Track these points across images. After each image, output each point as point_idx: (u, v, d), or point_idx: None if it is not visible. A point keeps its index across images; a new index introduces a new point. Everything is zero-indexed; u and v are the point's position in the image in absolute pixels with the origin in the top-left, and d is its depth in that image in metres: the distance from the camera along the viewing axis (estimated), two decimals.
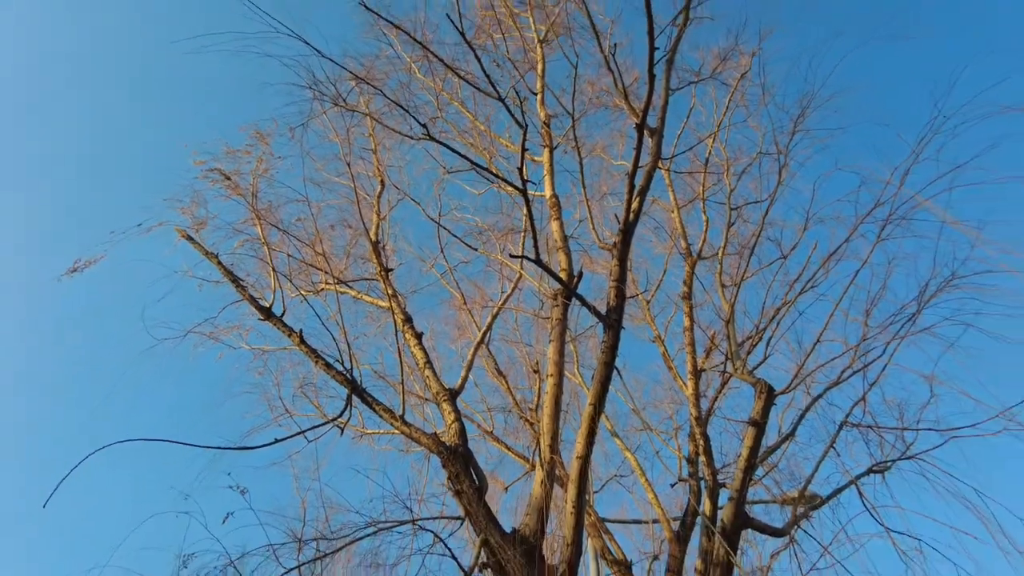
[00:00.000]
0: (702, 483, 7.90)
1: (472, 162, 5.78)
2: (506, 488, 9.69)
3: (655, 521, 8.98)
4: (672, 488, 9.30)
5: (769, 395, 4.91)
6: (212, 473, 5.18)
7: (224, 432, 5.63)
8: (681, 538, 7.70)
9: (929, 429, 5.69)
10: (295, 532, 4.86)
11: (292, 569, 4.58)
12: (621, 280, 5.44)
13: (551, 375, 6.21)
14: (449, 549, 4.87)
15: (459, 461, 5.70)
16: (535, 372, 10.16)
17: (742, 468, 4.93)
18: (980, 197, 6.17)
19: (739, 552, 4.87)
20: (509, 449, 9.85)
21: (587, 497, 5.20)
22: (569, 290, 5.60)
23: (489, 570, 5.15)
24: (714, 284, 7.28)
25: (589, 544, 9.35)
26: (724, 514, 4.96)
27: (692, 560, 7.23)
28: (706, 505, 7.11)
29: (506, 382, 9.63)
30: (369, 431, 7.90)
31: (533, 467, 9.08)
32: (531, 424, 9.18)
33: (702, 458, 7.56)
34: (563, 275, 6.55)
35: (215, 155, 7.53)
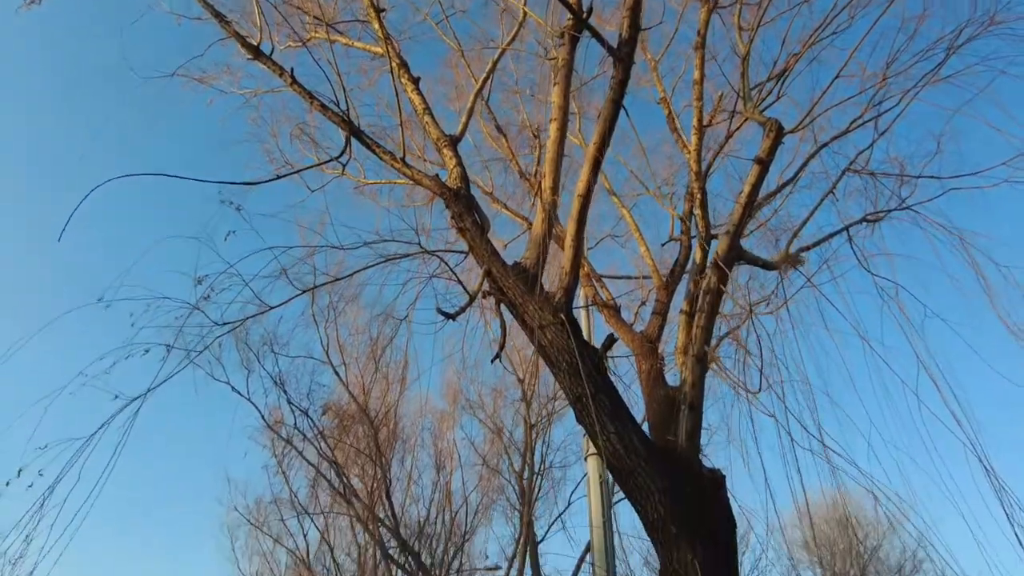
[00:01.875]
0: (694, 241, 8.21)
1: None
2: (505, 246, 10.09)
3: (646, 277, 9.50)
4: (663, 247, 9.73)
5: (778, 133, 4.84)
6: (218, 219, 5.25)
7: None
8: (669, 286, 8.21)
9: (931, 177, 5.73)
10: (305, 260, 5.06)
11: (302, 293, 4.85)
12: (636, 9, 5.03)
13: (554, 119, 6.06)
14: (455, 274, 5.14)
15: (462, 201, 5.80)
16: (535, 136, 10.01)
17: (742, 204, 5.04)
18: None
19: (730, 283, 5.17)
20: (507, 208, 10.06)
21: (584, 237, 5.38)
22: (579, 19, 5.21)
23: (492, 298, 5.51)
24: (731, 27, 6.78)
25: (581, 293, 10.03)
26: (719, 246, 5.20)
27: (677, 309, 7.79)
28: (697, 254, 7.44)
29: (506, 140, 9.50)
30: (370, 181, 7.92)
31: (530, 225, 9.37)
32: (529, 180, 9.26)
33: (697, 212, 7.72)
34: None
35: None
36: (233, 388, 13.86)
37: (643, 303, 9.15)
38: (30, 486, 3.67)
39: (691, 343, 5.01)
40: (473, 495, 17.02)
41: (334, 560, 19.86)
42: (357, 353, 15.20)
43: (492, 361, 5.30)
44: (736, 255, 5.12)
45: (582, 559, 11.27)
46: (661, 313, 7.98)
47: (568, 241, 5.27)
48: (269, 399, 13.64)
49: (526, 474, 12.93)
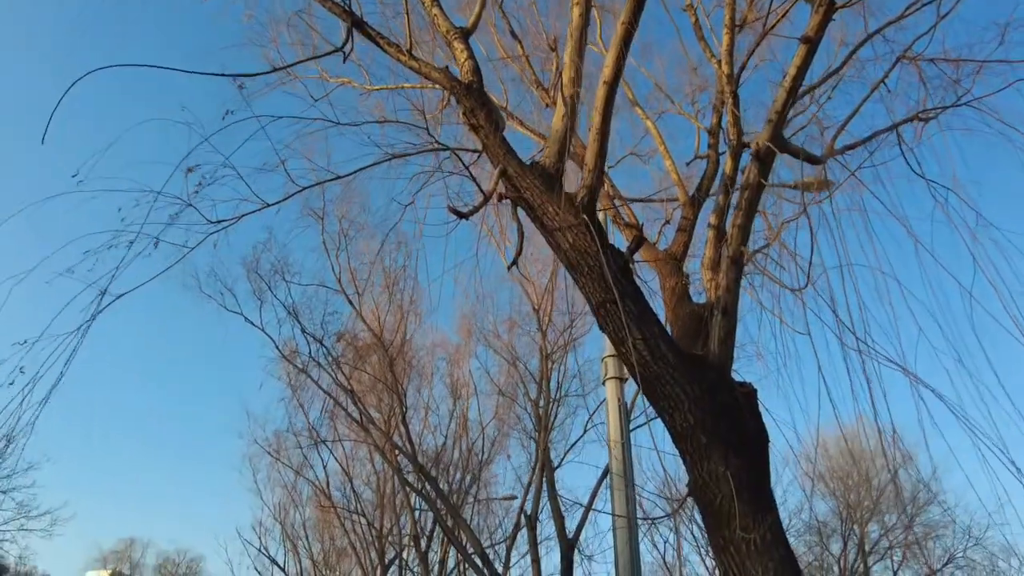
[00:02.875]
0: (722, 157, 7.65)
1: None
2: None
3: (670, 200, 9.01)
4: (688, 166, 9.18)
5: (828, 8, 4.26)
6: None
7: (223, 86, 5.10)
8: (696, 201, 7.71)
9: (1000, 61, 5.11)
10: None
11: (305, 188, 4.47)
12: None
13: (576, 4, 5.48)
14: (468, 170, 4.71)
15: (475, 95, 5.31)
16: (552, 50, 9.39)
17: (786, 88, 4.51)
18: None
19: (771, 175, 4.69)
20: (523, 125, 9.52)
21: (609, 130, 4.89)
22: None
23: (509, 202, 5.09)
24: None
25: (601, 215, 9.58)
26: (760, 136, 4.70)
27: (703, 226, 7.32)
28: (728, 164, 6.91)
29: (521, 46, 8.88)
30: (376, 87, 7.41)
31: (545, 139, 8.84)
32: (546, 90, 8.71)
33: (728, 117, 7.15)
34: None
35: None
36: (246, 319, 13.75)
37: (667, 222, 8.70)
38: (11, 384, 3.43)
39: (727, 244, 4.59)
40: (490, 425, 17.12)
41: (353, 490, 20.31)
42: (371, 282, 15.01)
43: (509, 268, 4.94)
44: (779, 146, 4.62)
45: (599, 484, 11.23)
46: (687, 230, 7.53)
47: (592, 134, 4.79)
48: (283, 330, 13.52)
49: (541, 403, 12.82)
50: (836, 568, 25.14)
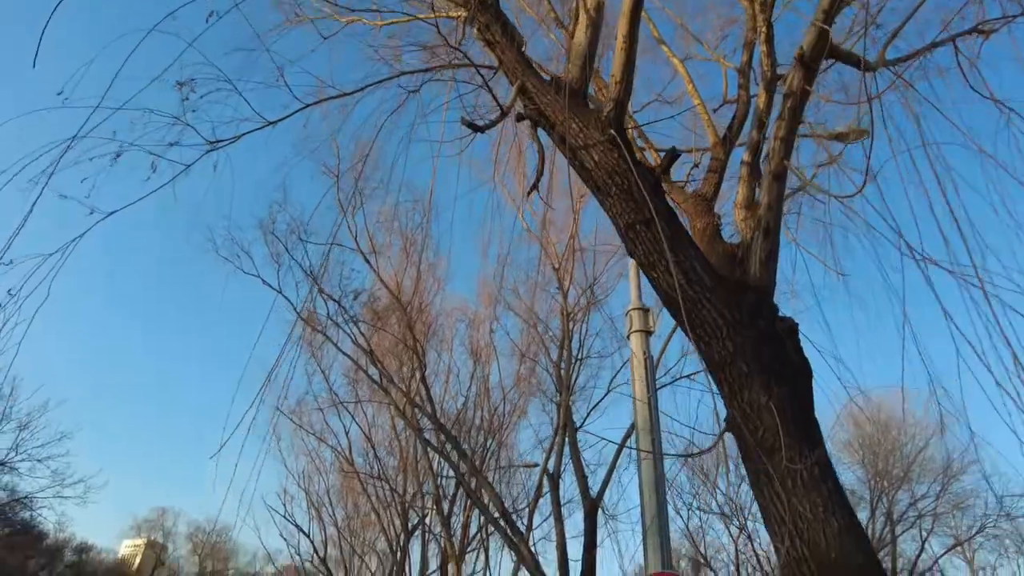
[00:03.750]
0: (754, 98, 7.17)
1: None
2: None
3: (700, 149, 8.53)
4: (716, 113, 8.68)
5: None
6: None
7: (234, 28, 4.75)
8: (727, 140, 7.25)
9: None
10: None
11: (308, 106, 4.13)
12: None
13: None
14: (486, 82, 4.33)
15: (490, 10, 4.90)
16: None
17: None
18: None
19: (814, 87, 4.26)
20: (541, 69, 9.06)
21: (637, 37, 4.47)
22: None
23: (529, 122, 4.71)
24: None
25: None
26: (805, 40, 4.25)
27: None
28: (761, 99, 6.44)
29: None
30: (387, 21, 7.00)
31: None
32: (567, 29, 8.23)
33: (761, 47, 6.64)
34: None
35: None
36: (264, 281, 13.58)
37: (695, 166, 8.26)
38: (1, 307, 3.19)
39: (772, 156, 4.17)
40: (511, 389, 16.91)
41: (376, 456, 20.35)
42: (388, 243, 14.76)
43: (528, 194, 4.59)
44: (825, 49, 4.16)
45: (624, 442, 10.95)
46: (717, 171, 7.07)
47: (619, 42, 4.38)
48: (301, 292, 13.32)
49: (563, 364, 12.55)
50: None
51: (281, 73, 4.02)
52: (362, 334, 13.34)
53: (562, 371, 12.53)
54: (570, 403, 11.76)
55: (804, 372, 4.11)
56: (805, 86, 4.22)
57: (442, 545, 18.18)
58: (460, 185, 7.54)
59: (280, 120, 4.07)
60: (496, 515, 11.18)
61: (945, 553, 26.15)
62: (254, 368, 5.01)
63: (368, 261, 12.91)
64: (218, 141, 4.04)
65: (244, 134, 4.07)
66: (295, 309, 12.07)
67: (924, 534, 25.53)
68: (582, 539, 10.46)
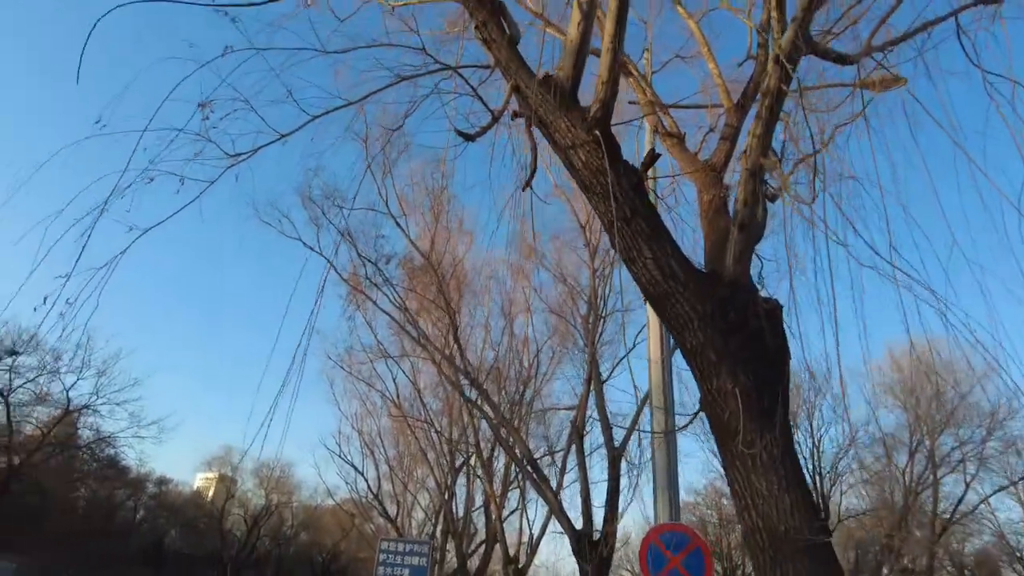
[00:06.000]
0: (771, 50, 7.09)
1: None
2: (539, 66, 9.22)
3: (714, 105, 8.48)
4: (740, 67, 8.57)
5: None
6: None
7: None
8: (741, 107, 7.26)
9: None
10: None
11: (316, 117, 4.50)
12: None
13: None
14: (475, 91, 4.61)
15: (487, 7, 5.10)
16: None
17: None
18: None
19: (795, 81, 4.36)
20: (549, 24, 9.05)
21: (623, 37, 4.60)
22: None
23: (522, 120, 4.97)
24: None
25: (645, 122, 9.16)
26: (784, 39, 4.33)
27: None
28: (770, 66, 6.44)
29: None
30: (400, 3, 7.18)
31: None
32: None
33: (774, 13, 6.58)
34: None
35: None
36: (304, 244, 14.29)
37: (711, 130, 8.26)
38: (61, 314, 3.78)
39: (747, 153, 4.34)
40: (544, 343, 17.47)
41: (421, 401, 21.48)
42: (417, 203, 15.19)
43: (523, 189, 4.89)
44: (804, 46, 4.24)
45: (645, 400, 11.39)
46: (730, 138, 7.12)
47: (605, 43, 4.55)
48: (340, 254, 14.03)
49: (591, 317, 12.93)
50: (902, 479, 24.89)
51: (290, 93, 4.38)
52: (398, 295, 14.00)
53: (589, 324, 12.94)
54: (596, 355, 12.21)
55: (780, 356, 4.41)
56: (781, 85, 4.32)
57: (483, 485, 19.33)
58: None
59: (291, 133, 4.46)
60: (524, 461, 11.90)
61: (994, 493, 26.07)
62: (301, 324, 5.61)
63: (398, 223, 13.41)
64: (239, 154, 4.48)
65: (261, 147, 4.50)
66: (335, 269, 12.74)
67: (968, 478, 25.45)
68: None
